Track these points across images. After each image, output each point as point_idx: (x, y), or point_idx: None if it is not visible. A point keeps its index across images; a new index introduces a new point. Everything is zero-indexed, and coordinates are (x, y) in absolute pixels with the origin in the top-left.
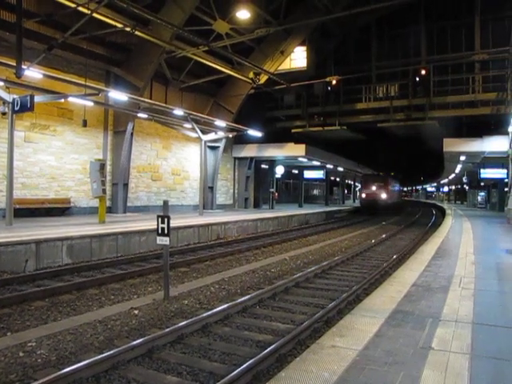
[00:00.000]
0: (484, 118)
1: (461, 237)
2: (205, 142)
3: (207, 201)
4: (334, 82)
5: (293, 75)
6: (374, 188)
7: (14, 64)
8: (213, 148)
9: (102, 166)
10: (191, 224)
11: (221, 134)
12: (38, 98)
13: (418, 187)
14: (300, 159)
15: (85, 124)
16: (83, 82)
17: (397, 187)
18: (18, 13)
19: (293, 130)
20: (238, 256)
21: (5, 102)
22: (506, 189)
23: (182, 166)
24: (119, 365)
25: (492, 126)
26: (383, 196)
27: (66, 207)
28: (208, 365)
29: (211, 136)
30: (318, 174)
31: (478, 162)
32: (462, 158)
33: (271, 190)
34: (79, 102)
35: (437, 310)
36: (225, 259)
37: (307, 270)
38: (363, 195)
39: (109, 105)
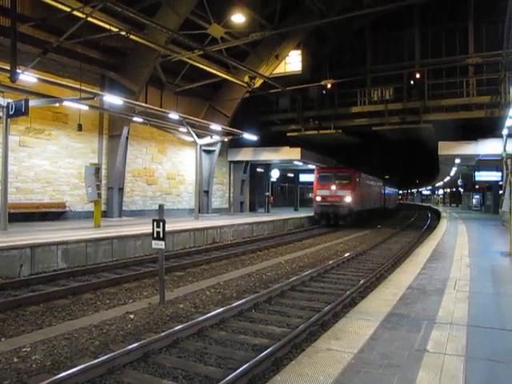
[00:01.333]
0: (479, 120)
1: (456, 239)
2: (200, 145)
3: (203, 205)
4: (329, 85)
5: (288, 79)
6: (333, 188)
7: (9, 68)
8: (208, 152)
9: (97, 171)
10: (187, 228)
11: (216, 137)
12: (32, 103)
13: (413, 190)
14: (295, 163)
15: (80, 128)
16: (78, 86)
17: (378, 187)
18: (12, 17)
19: (288, 134)
20: (233, 260)
21: None
22: (500, 191)
23: (177, 170)
24: (115, 369)
25: (486, 129)
26: (347, 200)
27: (61, 211)
28: (204, 369)
29: (206, 140)
30: (314, 178)
31: (472, 164)
32: (457, 160)
33: (267, 193)
34: (74, 106)
35: (432, 313)
36: (220, 263)
37: (303, 274)
38: (318, 198)
39: (104, 109)
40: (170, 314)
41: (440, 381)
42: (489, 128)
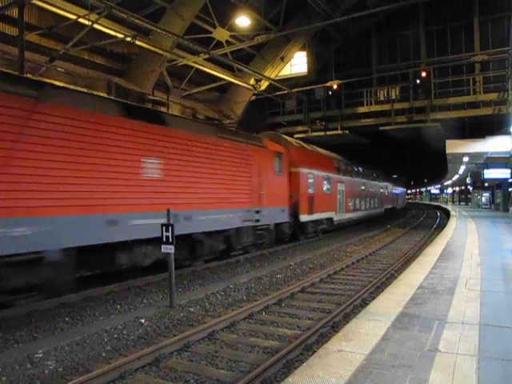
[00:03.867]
0: (486, 118)
1: (466, 238)
2: None
3: None
4: (334, 86)
5: (294, 80)
6: None
7: None
8: None
9: None
10: None
11: None
12: None
13: (421, 189)
14: None
15: None
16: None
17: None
18: (19, 26)
19: (295, 136)
20: (243, 263)
21: None
22: (510, 189)
23: None
24: (126, 374)
25: (494, 126)
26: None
27: None
28: (215, 372)
29: None
30: None
31: (481, 162)
32: (465, 159)
33: None
34: None
35: (443, 312)
36: (231, 266)
37: (313, 276)
38: None
39: None
40: (180, 318)
41: (453, 381)
42: (497, 125)
